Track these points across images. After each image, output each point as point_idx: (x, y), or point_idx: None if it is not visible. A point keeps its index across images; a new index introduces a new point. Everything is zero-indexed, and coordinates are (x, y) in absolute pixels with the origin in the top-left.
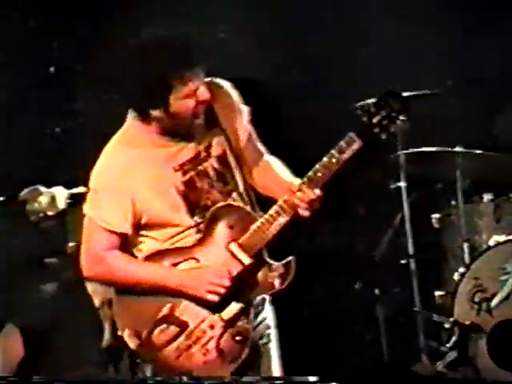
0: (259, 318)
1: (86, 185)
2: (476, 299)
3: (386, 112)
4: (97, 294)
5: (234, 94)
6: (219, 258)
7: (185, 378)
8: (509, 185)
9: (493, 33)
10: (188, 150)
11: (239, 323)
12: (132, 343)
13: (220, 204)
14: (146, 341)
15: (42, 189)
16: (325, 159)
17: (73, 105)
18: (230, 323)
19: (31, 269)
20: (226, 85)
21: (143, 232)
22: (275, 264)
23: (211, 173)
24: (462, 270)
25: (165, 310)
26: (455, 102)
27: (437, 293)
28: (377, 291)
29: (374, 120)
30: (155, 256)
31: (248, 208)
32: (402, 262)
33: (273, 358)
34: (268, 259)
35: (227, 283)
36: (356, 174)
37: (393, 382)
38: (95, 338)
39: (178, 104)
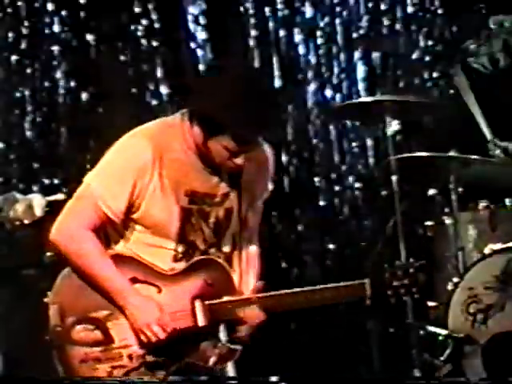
0: None
1: (64, 191)
2: (471, 310)
3: (409, 282)
4: None
5: (270, 159)
6: (178, 304)
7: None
8: (504, 191)
9: None
10: (210, 185)
11: (156, 370)
12: (52, 320)
13: (213, 257)
14: (65, 327)
15: (18, 196)
16: (326, 291)
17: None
18: (147, 366)
19: (7, 281)
20: (269, 152)
21: (130, 223)
22: (223, 343)
23: (211, 219)
24: (455, 279)
25: (101, 314)
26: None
27: (430, 303)
28: (368, 302)
29: (395, 283)
30: (127, 259)
31: (235, 276)
32: None
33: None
34: (221, 334)
35: (161, 336)
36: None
37: None
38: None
39: (215, 146)
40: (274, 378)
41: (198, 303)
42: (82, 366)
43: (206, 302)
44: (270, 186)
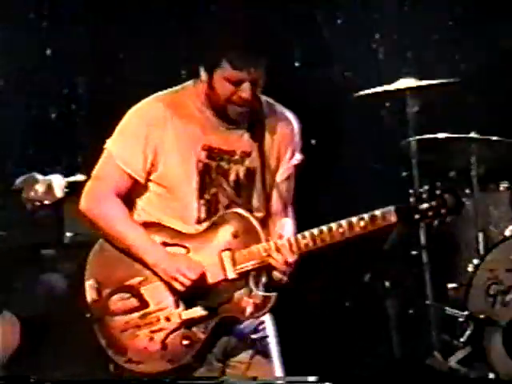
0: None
1: (84, 172)
2: (491, 292)
3: (437, 204)
4: None
5: (296, 128)
6: (208, 259)
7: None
8: None
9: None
10: (225, 141)
11: (195, 329)
12: (90, 296)
13: (236, 209)
14: (103, 300)
15: (39, 176)
16: (354, 220)
17: (71, 90)
18: (185, 324)
19: (27, 260)
20: (291, 116)
21: (150, 186)
22: (255, 292)
23: (231, 177)
24: (476, 261)
25: (134, 280)
26: (470, 88)
27: (450, 285)
28: (387, 284)
29: (421, 206)
30: (152, 227)
31: (259, 227)
32: (414, 253)
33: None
34: (251, 284)
35: (193, 277)
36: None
37: (404, 378)
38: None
39: (218, 81)
40: (311, 378)
41: (225, 255)
42: (124, 335)
43: (235, 254)
44: (299, 156)
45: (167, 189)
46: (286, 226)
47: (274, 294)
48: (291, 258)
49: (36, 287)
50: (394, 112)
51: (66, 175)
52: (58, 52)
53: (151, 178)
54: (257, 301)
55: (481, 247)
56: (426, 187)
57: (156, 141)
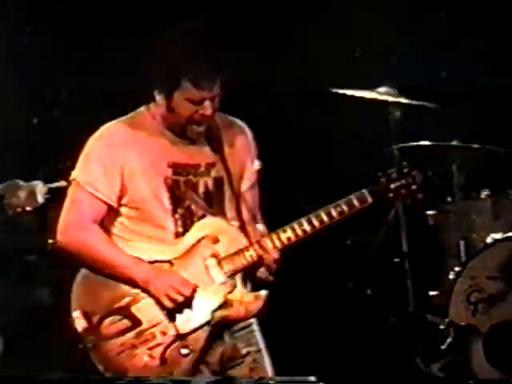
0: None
1: (66, 179)
2: (472, 299)
3: (407, 182)
4: None
5: (250, 137)
6: (193, 269)
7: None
8: (507, 181)
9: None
10: (189, 155)
11: (191, 338)
12: (79, 325)
13: (211, 217)
14: (93, 326)
15: (21, 183)
16: (331, 208)
17: (54, 94)
18: (183, 336)
19: (10, 266)
20: (243, 125)
21: (122, 211)
22: (245, 292)
23: (200, 189)
24: (457, 268)
25: (123, 302)
26: (452, 95)
27: (431, 292)
28: (369, 291)
29: (392, 186)
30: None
31: (237, 230)
32: (396, 260)
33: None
34: (240, 285)
35: (187, 293)
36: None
37: None
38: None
39: (179, 103)
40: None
41: (209, 262)
42: (121, 357)
43: (219, 258)
44: (257, 162)
45: (139, 210)
46: (261, 230)
47: (264, 292)
48: (276, 254)
49: (19, 293)
50: (377, 119)
51: (48, 181)
52: (41, 56)
53: (122, 202)
54: (249, 300)
55: (462, 254)
56: (394, 168)
57: (121, 163)
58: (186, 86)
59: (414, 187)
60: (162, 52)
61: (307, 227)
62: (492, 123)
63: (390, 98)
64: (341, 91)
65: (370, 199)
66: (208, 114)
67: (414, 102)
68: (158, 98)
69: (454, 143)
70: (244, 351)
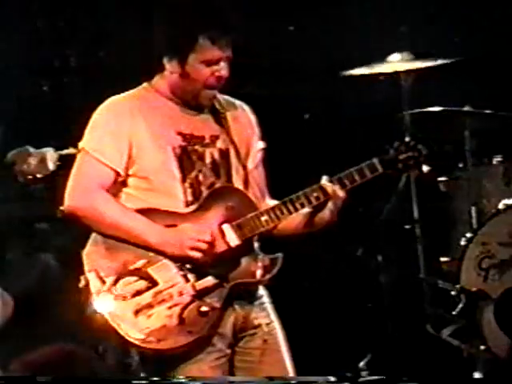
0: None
1: (76, 146)
2: (483, 265)
3: (414, 154)
4: None
5: (253, 119)
6: (208, 235)
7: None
8: None
9: None
10: (194, 127)
11: (208, 299)
12: (93, 286)
13: (224, 184)
14: (107, 288)
15: (31, 150)
16: (342, 176)
17: (63, 62)
18: (200, 295)
19: (21, 234)
20: (248, 108)
21: (129, 182)
22: (262, 256)
23: (207, 160)
24: (469, 235)
25: (138, 264)
26: (462, 61)
27: (443, 259)
28: (380, 258)
29: (401, 157)
30: (146, 211)
31: (250, 195)
32: (407, 227)
33: (281, 354)
34: (256, 248)
35: (208, 238)
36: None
37: (396, 352)
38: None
39: (195, 66)
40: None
41: (225, 226)
42: (139, 317)
43: (233, 223)
44: (261, 144)
45: (148, 180)
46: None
47: (280, 255)
48: (342, 194)
49: (29, 261)
50: (388, 85)
51: (59, 148)
52: (48, 24)
53: (129, 172)
54: (265, 263)
55: (474, 221)
56: (400, 142)
57: (128, 132)
58: (202, 45)
59: (421, 159)
60: (174, 14)
61: (320, 194)
62: (505, 88)
63: (403, 66)
64: (354, 72)
65: (380, 168)
66: (224, 75)
67: (431, 64)
68: (169, 65)
69: (465, 109)
70: (256, 322)
